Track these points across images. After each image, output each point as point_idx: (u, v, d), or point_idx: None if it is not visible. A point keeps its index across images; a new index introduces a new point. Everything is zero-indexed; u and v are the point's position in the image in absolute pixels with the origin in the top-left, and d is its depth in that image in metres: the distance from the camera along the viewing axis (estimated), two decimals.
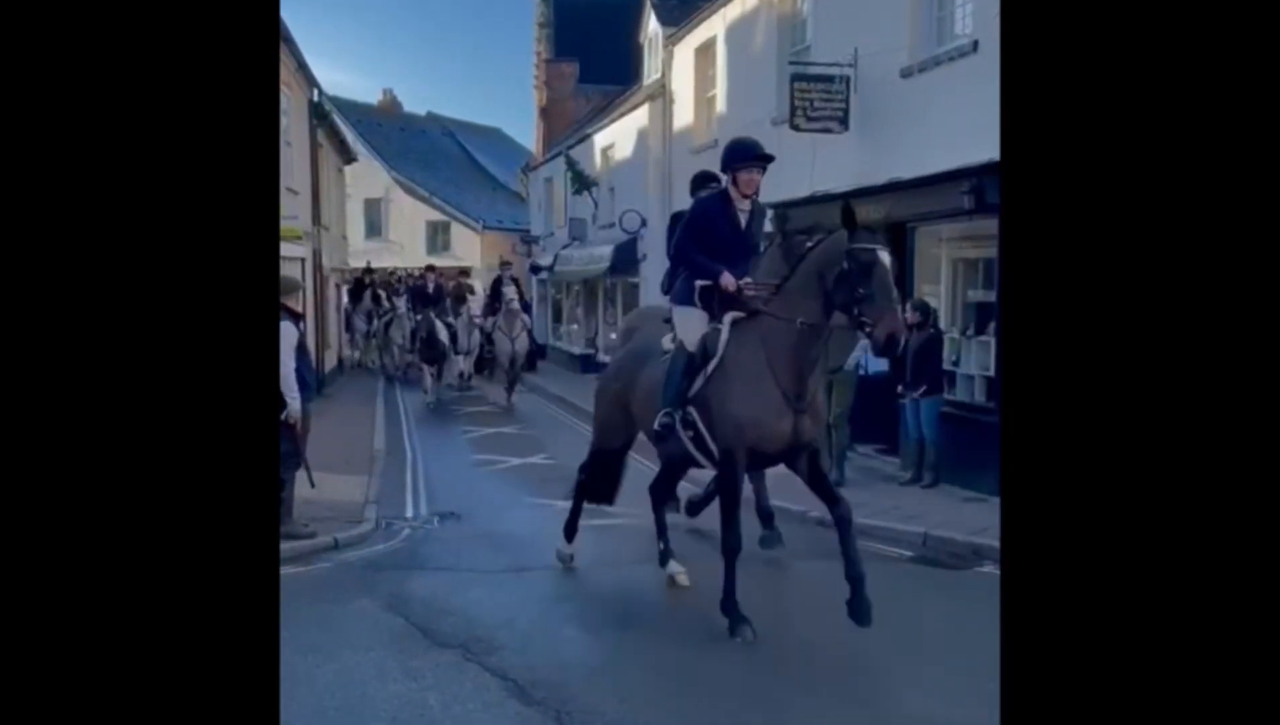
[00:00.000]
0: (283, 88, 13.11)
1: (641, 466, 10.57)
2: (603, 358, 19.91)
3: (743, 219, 5.36)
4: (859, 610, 4.75)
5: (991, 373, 8.40)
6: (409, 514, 8.60)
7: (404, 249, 31.62)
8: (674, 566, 6.10)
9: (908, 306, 8.54)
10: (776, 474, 5.55)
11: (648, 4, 19.52)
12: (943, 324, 9.23)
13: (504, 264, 17.46)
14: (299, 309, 7.72)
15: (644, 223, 17.35)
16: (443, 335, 15.30)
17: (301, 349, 7.16)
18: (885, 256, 4.65)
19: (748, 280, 5.15)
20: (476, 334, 16.11)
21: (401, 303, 17.48)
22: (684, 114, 16.56)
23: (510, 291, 15.52)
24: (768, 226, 7.39)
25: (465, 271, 25.85)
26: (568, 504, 8.19)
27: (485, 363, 17.46)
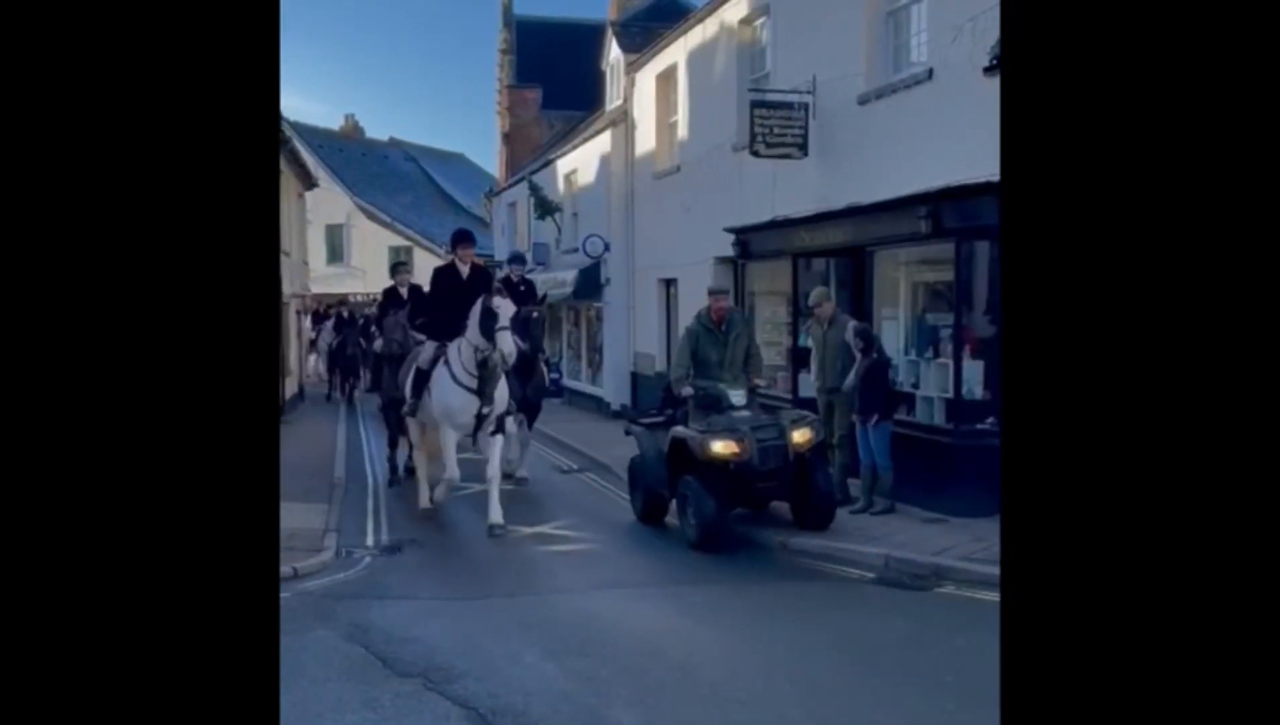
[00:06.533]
0: None
1: (603, 488, 10.56)
2: (567, 382, 19.91)
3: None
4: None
5: (950, 394, 8.49)
6: (369, 542, 8.51)
7: (366, 275, 31.45)
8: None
9: (850, 331, 8.65)
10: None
11: (609, 31, 19.71)
12: (901, 346, 9.32)
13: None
14: None
15: (607, 247, 17.39)
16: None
17: None
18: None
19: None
20: None
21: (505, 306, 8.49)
22: (646, 140, 16.68)
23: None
24: None
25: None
26: (532, 530, 8.25)
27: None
